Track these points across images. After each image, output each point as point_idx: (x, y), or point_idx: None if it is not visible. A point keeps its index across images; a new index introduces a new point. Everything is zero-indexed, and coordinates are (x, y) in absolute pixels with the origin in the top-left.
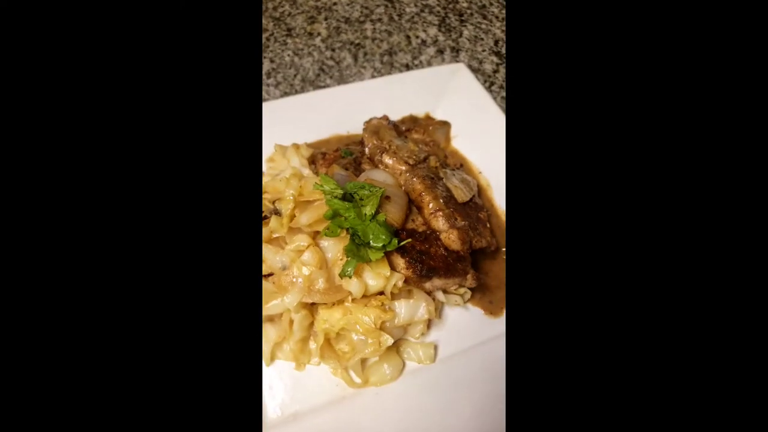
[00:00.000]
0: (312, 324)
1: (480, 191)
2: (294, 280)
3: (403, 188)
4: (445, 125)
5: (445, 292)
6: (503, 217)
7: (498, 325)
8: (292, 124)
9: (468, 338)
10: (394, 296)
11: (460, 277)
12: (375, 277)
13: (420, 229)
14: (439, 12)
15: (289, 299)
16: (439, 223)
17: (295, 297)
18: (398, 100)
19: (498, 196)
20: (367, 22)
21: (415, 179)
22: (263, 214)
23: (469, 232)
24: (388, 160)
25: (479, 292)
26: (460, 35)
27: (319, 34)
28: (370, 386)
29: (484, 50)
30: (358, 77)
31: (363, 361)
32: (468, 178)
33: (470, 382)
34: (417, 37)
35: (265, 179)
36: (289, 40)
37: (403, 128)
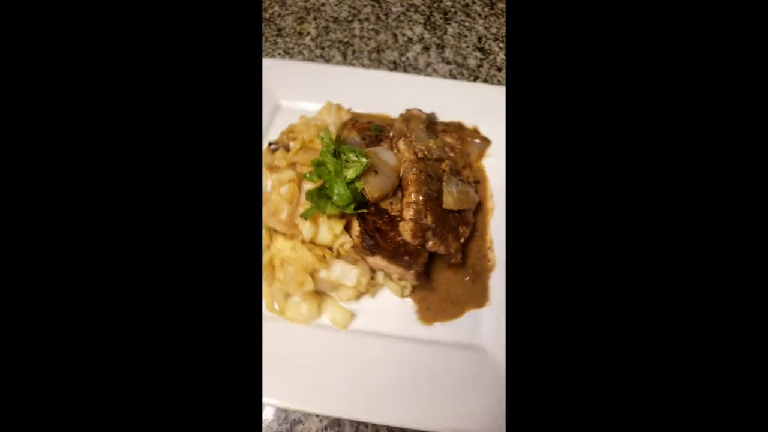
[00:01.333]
0: (269, 246)
1: (478, 211)
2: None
3: (400, 174)
4: (485, 142)
5: (390, 278)
6: (490, 244)
7: (422, 331)
8: (356, 94)
9: (387, 326)
10: (339, 255)
11: (403, 268)
12: (326, 230)
13: (392, 213)
14: (424, 11)
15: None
16: (408, 212)
17: (264, 216)
18: (455, 105)
19: (496, 225)
20: (354, 21)
21: (413, 169)
22: (276, 145)
23: (428, 232)
24: (401, 145)
25: (421, 295)
26: (445, 32)
27: (308, 33)
28: (285, 318)
29: (468, 46)
30: None
31: (288, 295)
32: (471, 192)
33: (371, 362)
34: (403, 35)
35: (300, 121)
36: (279, 40)
37: (440, 128)
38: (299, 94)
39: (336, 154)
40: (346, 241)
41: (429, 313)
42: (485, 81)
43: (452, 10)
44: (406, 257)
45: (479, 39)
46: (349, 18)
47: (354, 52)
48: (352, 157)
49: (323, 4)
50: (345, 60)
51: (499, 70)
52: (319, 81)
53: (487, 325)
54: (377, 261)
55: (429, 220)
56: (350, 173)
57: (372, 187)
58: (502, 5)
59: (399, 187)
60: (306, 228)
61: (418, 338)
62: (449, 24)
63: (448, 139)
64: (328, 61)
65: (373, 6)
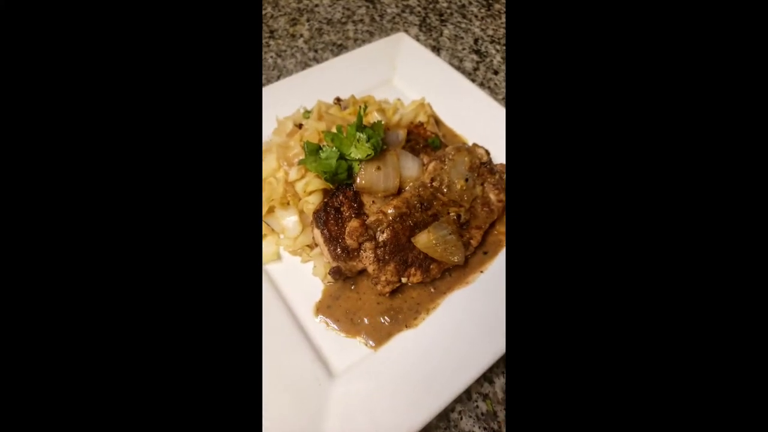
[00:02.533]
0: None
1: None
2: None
3: (407, 187)
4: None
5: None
6: (431, 288)
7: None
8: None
9: (293, 296)
10: (301, 213)
11: (329, 254)
12: (304, 184)
13: (365, 209)
14: (419, 12)
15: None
16: (370, 216)
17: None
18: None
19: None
20: (348, 23)
21: (418, 192)
22: (344, 103)
23: (370, 243)
24: (430, 166)
25: (332, 293)
26: (441, 34)
27: (301, 35)
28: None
29: (464, 49)
30: None
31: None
32: (456, 252)
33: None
34: None
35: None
36: (272, 42)
37: (492, 179)
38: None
39: (361, 131)
40: (311, 202)
41: (326, 311)
42: (481, 85)
43: (448, 11)
44: (337, 249)
45: (475, 41)
46: (343, 19)
47: None
48: (365, 142)
49: (317, 6)
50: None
51: (496, 73)
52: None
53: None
54: (317, 235)
55: (383, 236)
56: (353, 152)
57: (363, 177)
58: (499, 6)
59: (396, 195)
60: (294, 170)
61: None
62: (445, 26)
63: (491, 195)
64: (321, 63)
65: (368, 7)
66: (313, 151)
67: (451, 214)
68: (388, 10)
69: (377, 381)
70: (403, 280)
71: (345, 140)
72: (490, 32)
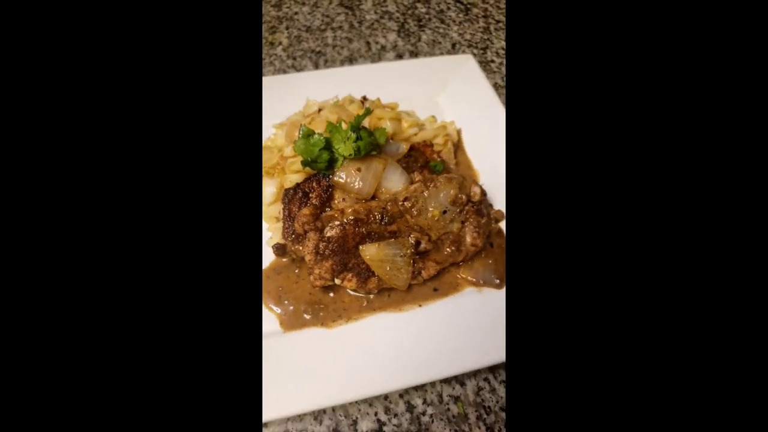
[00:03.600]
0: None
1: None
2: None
3: (384, 198)
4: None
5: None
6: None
7: None
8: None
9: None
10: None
11: (283, 231)
12: (291, 162)
13: (332, 202)
14: (398, 18)
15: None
16: (326, 213)
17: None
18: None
19: None
20: (327, 30)
21: (385, 205)
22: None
23: (314, 234)
24: (412, 186)
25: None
26: (419, 39)
27: (280, 43)
28: None
29: (441, 53)
30: None
31: None
32: (399, 275)
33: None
34: (377, 42)
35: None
36: None
37: (474, 222)
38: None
39: (355, 131)
40: (291, 181)
41: (264, 279)
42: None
43: (426, 16)
44: (291, 231)
45: (453, 46)
46: (322, 27)
47: (326, 61)
48: (352, 141)
49: (296, 13)
50: (317, 70)
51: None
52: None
53: None
54: (281, 208)
55: (330, 233)
56: (340, 148)
57: (341, 173)
58: (476, 11)
59: (369, 201)
60: (289, 148)
61: None
62: (423, 31)
63: (467, 236)
64: (299, 71)
65: (347, 14)
66: (306, 134)
67: (412, 238)
68: (367, 17)
69: (269, 362)
70: (337, 281)
71: (338, 134)
72: (468, 36)
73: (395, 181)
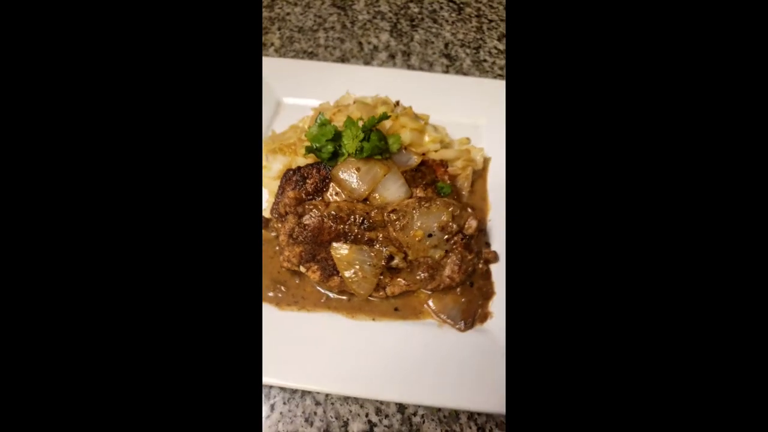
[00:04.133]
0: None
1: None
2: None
3: (373, 204)
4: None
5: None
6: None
7: None
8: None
9: None
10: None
11: (272, 206)
12: (298, 145)
13: (324, 194)
14: (391, 18)
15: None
16: (312, 201)
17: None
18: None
19: None
20: (320, 30)
21: (370, 210)
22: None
23: (290, 216)
24: (409, 200)
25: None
26: (411, 39)
27: (272, 44)
28: None
29: (434, 53)
30: None
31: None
32: (362, 281)
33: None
34: (369, 43)
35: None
36: None
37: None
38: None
39: (366, 131)
40: (296, 162)
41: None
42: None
43: (419, 16)
44: (277, 208)
45: (446, 45)
46: (315, 27)
47: (318, 62)
48: (358, 140)
49: (288, 14)
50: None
51: (465, 75)
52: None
53: None
54: (277, 184)
55: (308, 221)
56: (347, 143)
57: (340, 168)
58: (470, 10)
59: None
60: (305, 133)
61: None
62: (416, 31)
63: (447, 268)
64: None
65: (339, 14)
66: (322, 123)
67: (387, 251)
68: (360, 17)
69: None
70: (302, 269)
71: (349, 130)
72: (461, 36)
73: (393, 191)
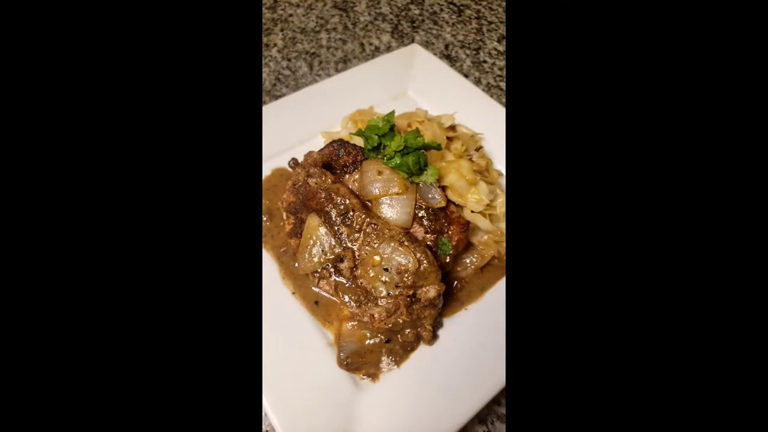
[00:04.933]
0: None
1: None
2: None
3: (364, 206)
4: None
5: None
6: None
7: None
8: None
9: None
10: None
11: (304, 159)
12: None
13: (344, 172)
14: (392, 20)
15: None
16: (327, 171)
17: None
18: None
19: None
20: (322, 31)
21: (360, 211)
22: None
23: (299, 169)
24: (390, 233)
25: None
26: (412, 40)
27: (275, 45)
28: None
29: (434, 54)
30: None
31: None
32: (308, 255)
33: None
34: (371, 44)
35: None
36: None
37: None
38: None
39: (405, 146)
40: (346, 135)
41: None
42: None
43: (420, 18)
44: (307, 161)
45: (446, 46)
46: (317, 28)
47: (321, 62)
48: (398, 149)
49: (291, 15)
50: (311, 71)
51: (466, 76)
52: None
53: None
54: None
55: (309, 180)
56: (389, 148)
57: (371, 164)
58: (469, 12)
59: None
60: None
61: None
62: (417, 32)
63: (376, 310)
64: (294, 72)
65: (341, 16)
66: (387, 122)
67: (345, 257)
68: (361, 18)
69: None
70: (284, 214)
71: (398, 138)
72: (461, 37)
73: (395, 213)
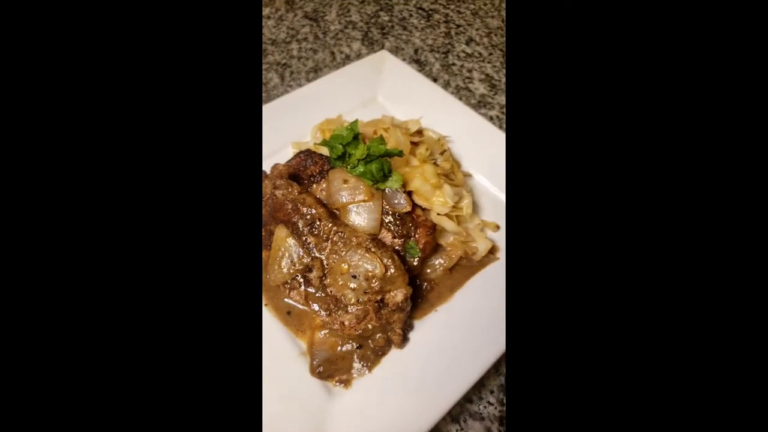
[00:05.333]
0: None
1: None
2: None
3: (331, 215)
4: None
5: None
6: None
7: None
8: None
9: None
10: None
11: (270, 171)
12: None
13: (310, 182)
14: (362, 27)
15: None
16: (293, 182)
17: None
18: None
19: None
20: (293, 42)
21: (325, 222)
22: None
23: (266, 186)
24: (356, 239)
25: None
26: (382, 47)
27: None
28: None
29: (404, 59)
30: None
31: None
32: (283, 265)
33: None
34: (341, 52)
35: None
36: None
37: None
38: None
39: (368, 154)
40: (314, 146)
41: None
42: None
43: (389, 24)
44: (274, 173)
45: (416, 51)
46: (288, 39)
47: (292, 73)
48: (361, 157)
49: (261, 27)
50: (282, 82)
51: (435, 80)
52: None
53: None
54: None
55: (276, 192)
56: (353, 156)
57: (336, 173)
58: (438, 16)
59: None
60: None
61: None
62: (387, 38)
63: (346, 316)
64: (265, 84)
65: (312, 25)
66: (351, 131)
67: (314, 266)
68: (332, 27)
69: None
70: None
71: (362, 147)
72: (430, 42)
73: (362, 219)
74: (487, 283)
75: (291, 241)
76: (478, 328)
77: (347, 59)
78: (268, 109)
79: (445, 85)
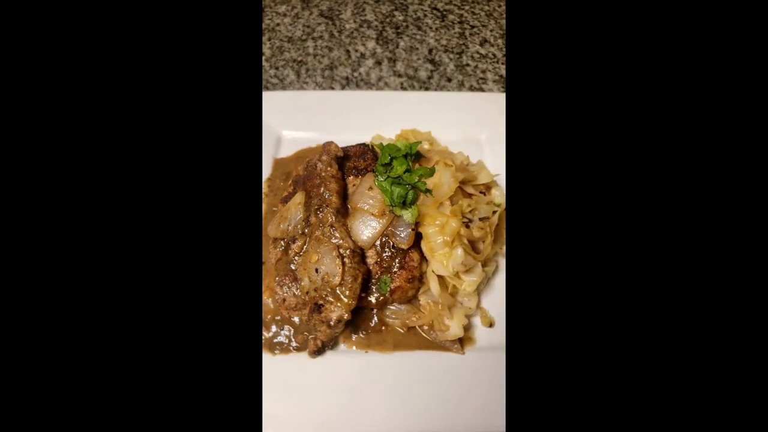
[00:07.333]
0: None
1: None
2: None
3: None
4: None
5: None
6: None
7: None
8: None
9: None
10: None
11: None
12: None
13: (348, 180)
14: (377, 26)
15: None
16: (335, 165)
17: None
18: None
19: None
20: (308, 39)
21: (315, 216)
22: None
23: (306, 162)
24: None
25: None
26: (397, 46)
27: (263, 54)
28: None
29: (419, 59)
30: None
31: None
32: (286, 221)
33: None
34: (356, 50)
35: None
36: None
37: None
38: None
39: (400, 176)
40: (380, 141)
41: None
42: (435, 91)
43: (404, 24)
44: (328, 148)
45: (430, 51)
46: (303, 37)
47: (308, 70)
48: (401, 182)
49: (278, 24)
50: (298, 78)
51: (449, 80)
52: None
53: None
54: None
55: (317, 163)
56: (396, 165)
57: (364, 178)
58: (452, 17)
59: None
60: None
61: None
62: (401, 38)
63: (304, 322)
64: (282, 80)
65: (327, 24)
66: (406, 147)
67: (299, 240)
68: (347, 26)
69: None
70: (289, 182)
71: (406, 164)
72: (444, 42)
73: (366, 231)
74: (439, 366)
75: (300, 209)
76: (397, 398)
77: (362, 57)
78: (375, 96)
79: (459, 86)
